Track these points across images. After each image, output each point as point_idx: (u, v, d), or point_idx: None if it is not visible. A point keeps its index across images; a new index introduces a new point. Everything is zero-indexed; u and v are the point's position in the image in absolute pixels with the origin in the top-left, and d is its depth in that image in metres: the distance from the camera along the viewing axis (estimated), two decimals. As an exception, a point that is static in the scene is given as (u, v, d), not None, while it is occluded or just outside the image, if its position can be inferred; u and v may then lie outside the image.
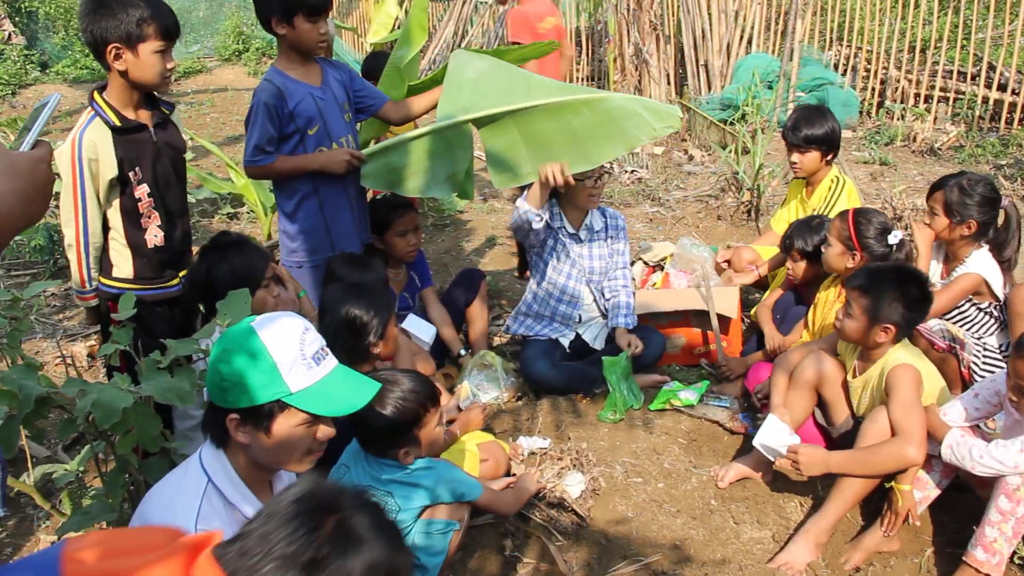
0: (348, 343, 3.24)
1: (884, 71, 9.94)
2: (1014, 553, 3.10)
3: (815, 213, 4.61)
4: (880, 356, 3.40)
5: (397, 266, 4.36)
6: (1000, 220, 4.06)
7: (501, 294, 5.49)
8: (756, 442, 3.43)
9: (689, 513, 3.49)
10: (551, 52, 4.54)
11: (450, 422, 3.52)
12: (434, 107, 3.92)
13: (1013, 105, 8.95)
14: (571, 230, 4.40)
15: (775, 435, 3.40)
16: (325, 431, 2.23)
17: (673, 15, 10.33)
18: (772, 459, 3.46)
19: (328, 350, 2.28)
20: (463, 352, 4.43)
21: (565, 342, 4.47)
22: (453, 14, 12.21)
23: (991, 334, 4.09)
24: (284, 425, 2.14)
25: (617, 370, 4.12)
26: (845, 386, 3.57)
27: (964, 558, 3.06)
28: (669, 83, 9.83)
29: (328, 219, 3.84)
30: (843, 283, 3.95)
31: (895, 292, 3.30)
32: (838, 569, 3.23)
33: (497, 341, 4.97)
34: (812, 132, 4.62)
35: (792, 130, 4.67)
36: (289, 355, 2.13)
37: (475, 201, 7.22)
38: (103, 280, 3.34)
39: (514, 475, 3.55)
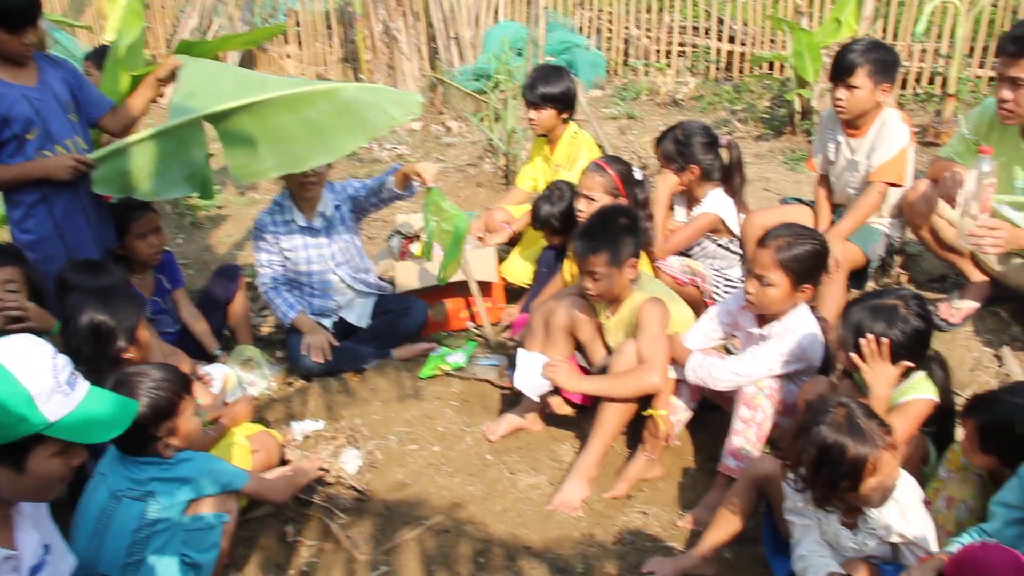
0: (95, 351, 3.10)
1: (626, 31, 10.38)
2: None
3: (559, 170, 4.77)
4: (628, 295, 3.58)
5: (143, 270, 4.15)
6: (725, 158, 4.36)
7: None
8: (516, 383, 3.54)
9: (466, 471, 3.57)
10: (277, 34, 4.47)
11: (217, 419, 3.43)
12: (151, 101, 3.80)
13: (743, 55, 9.59)
14: (304, 222, 4.32)
15: (530, 367, 3.51)
16: (79, 457, 2.15)
17: (419, -10, 10.37)
18: (535, 397, 3.57)
19: (78, 373, 2.18)
20: (218, 352, 4.31)
21: (328, 323, 4.44)
22: (196, 3, 11.73)
23: (732, 267, 4.41)
24: (40, 458, 2.03)
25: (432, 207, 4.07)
26: (600, 326, 3.74)
27: (718, 468, 3.30)
28: (422, 58, 9.87)
29: (61, 226, 3.66)
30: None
31: (618, 232, 3.47)
32: (612, 501, 3.41)
33: (265, 331, 4.89)
34: (548, 90, 4.74)
35: (529, 89, 4.78)
36: (44, 384, 2.02)
37: (233, 194, 7.03)
38: None
39: (289, 462, 3.52)
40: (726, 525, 2.93)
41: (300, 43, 11.25)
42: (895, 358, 2.84)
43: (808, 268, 3.18)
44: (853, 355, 2.87)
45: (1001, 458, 2.57)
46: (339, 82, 3.90)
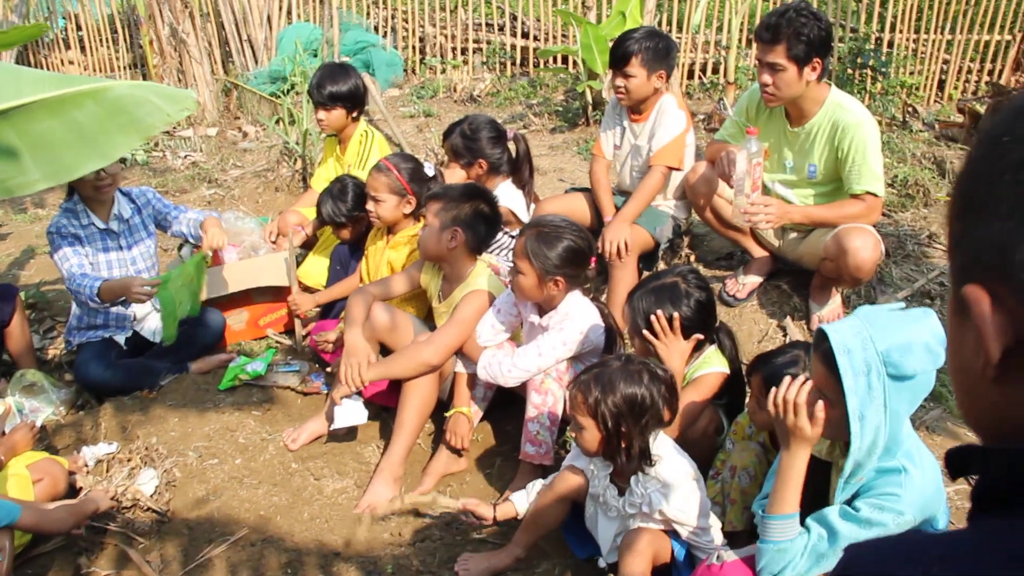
0: None
1: (421, 29, 10.39)
2: (565, 441, 3.45)
3: (351, 169, 4.72)
4: (465, 279, 3.59)
5: None
6: (512, 151, 4.44)
7: (51, 305, 5.04)
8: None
9: (270, 481, 3.48)
10: (37, 35, 4.20)
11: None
12: None
13: (536, 51, 9.78)
14: (102, 225, 4.11)
15: (350, 413, 3.52)
16: None
17: (207, -9, 10.02)
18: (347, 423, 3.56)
19: None
20: None
21: (121, 339, 4.23)
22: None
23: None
24: None
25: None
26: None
27: (520, 457, 3.35)
28: (214, 61, 9.54)
29: None
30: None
31: (469, 202, 3.56)
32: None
33: (52, 354, 4.60)
34: (336, 89, 4.67)
35: (317, 88, 4.70)
36: None
37: (13, 211, 6.59)
38: None
39: (81, 489, 3.34)
40: (536, 531, 2.98)
41: (83, 48, 10.67)
42: (686, 332, 2.98)
43: (557, 263, 3.19)
44: (647, 333, 2.99)
45: None
46: (106, 80, 3.66)
